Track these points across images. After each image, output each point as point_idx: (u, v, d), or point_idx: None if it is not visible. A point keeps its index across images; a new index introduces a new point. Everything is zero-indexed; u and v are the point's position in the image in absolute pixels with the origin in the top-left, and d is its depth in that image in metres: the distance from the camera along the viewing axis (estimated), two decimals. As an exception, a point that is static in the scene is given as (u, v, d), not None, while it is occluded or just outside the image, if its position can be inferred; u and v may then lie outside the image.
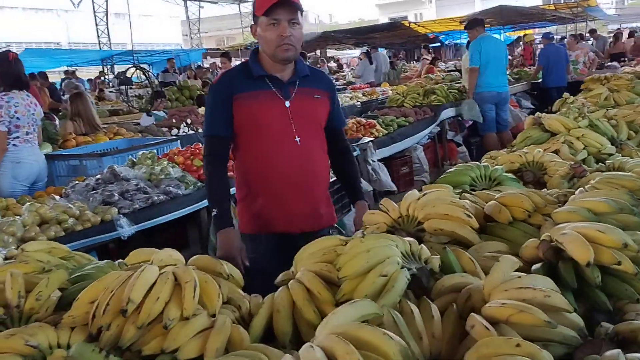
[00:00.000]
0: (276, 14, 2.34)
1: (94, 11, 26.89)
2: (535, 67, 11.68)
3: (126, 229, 3.39)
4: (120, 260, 2.03)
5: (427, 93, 8.42)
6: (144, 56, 24.39)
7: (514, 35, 26.81)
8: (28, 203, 3.30)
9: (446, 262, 1.64)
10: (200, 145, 4.71)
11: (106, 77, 22.80)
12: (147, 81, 9.05)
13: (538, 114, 3.82)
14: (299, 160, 2.51)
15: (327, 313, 1.56)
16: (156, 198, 3.70)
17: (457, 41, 28.99)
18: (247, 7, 33.23)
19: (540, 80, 11.16)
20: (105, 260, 1.98)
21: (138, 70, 9.63)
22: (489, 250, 1.85)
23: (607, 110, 4.12)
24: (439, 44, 28.49)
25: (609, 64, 13.98)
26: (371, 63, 14.66)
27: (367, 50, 16.17)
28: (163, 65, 23.81)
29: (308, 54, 29.28)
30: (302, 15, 2.43)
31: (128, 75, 9.37)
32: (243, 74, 2.52)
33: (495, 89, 7.86)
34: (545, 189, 2.52)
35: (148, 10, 36.89)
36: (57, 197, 3.56)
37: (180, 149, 4.68)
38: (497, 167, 2.81)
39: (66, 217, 3.22)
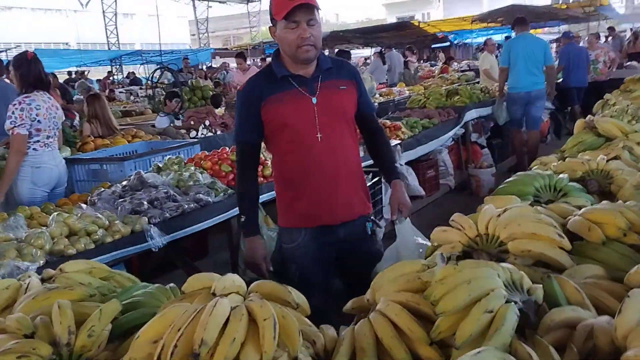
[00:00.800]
0: (295, 16, 2.35)
1: (103, 11, 26.77)
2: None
3: (157, 239, 3.21)
4: (171, 284, 1.85)
5: (450, 94, 8.21)
6: (152, 56, 24.23)
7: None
8: (55, 213, 3.12)
9: (549, 292, 1.44)
10: (227, 149, 4.53)
11: (115, 77, 22.67)
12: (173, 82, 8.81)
13: (590, 117, 3.61)
14: (326, 154, 2.53)
15: (420, 353, 1.37)
16: (187, 206, 3.52)
17: (467, 40, 28.80)
18: (255, 7, 33.12)
19: (560, 80, 10.94)
20: (156, 285, 1.80)
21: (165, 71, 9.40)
22: (586, 275, 1.65)
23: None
24: (448, 44, 28.29)
25: (628, 63, 13.74)
26: (384, 63, 14.46)
27: (380, 50, 15.94)
28: (172, 65, 23.74)
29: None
30: (319, 12, 2.41)
31: (156, 76, 9.17)
32: (267, 77, 2.54)
33: (524, 89, 7.71)
34: (619, 200, 2.32)
35: (156, 10, 36.77)
36: (83, 206, 3.38)
37: (207, 153, 4.48)
38: (561, 176, 2.61)
39: (95, 228, 3.04)
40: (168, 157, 4.35)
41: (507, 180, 2.68)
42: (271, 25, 2.51)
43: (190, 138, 6.73)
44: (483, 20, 21.58)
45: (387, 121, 6.52)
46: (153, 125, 8.26)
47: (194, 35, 34.37)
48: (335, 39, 26.73)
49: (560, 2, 32.24)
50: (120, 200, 3.49)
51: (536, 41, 8.36)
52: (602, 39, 18.17)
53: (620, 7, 33.58)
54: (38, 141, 4.20)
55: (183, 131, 6.90)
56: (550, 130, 10.65)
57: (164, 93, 8.94)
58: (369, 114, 2.77)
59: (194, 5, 30.18)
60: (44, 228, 3.02)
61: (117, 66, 24.78)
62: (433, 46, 28.24)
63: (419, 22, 26.95)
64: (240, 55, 11.15)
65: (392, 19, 43.49)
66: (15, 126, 4.04)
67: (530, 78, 7.81)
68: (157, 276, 4.00)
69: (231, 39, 53.76)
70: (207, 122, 7.15)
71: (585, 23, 25.17)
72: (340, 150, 2.57)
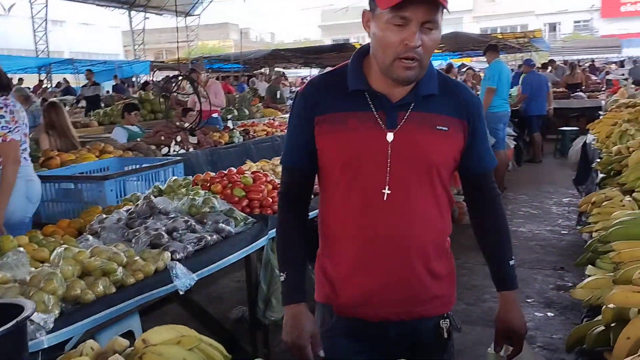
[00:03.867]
0: (406, 10, 1.52)
1: (32, 17, 25.29)
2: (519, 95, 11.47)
3: (183, 279, 2.67)
4: None
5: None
6: (84, 65, 23.02)
7: (458, 62, 27.16)
8: (61, 248, 2.52)
9: None
10: (234, 170, 4.02)
11: (46, 85, 21.34)
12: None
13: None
14: (390, 220, 1.70)
15: None
16: (209, 238, 2.99)
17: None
18: (194, 21, 32.37)
19: (518, 108, 11.01)
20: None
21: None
22: None
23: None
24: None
25: (575, 93, 14.13)
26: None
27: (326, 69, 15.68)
28: (104, 75, 22.57)
29: (255, 71, 28.82)
30: (442, 16, 1.59)
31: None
32: (334, 86, 1.74)
33: (507, 109, 8.43)
34: None
35: (88, 19, 35.19)
36: (90, 237, 2.79)
37: (212, 175, 3.95)
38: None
39: (114, 267, 2.48)
40: (174, 178, 3.79)
41: (621, 219, 2.35)
42: (367, 9, 1.65)
43: (163, 155, 6.15)
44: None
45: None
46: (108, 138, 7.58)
47: (126, 46, 33.11)
48: (275, 57, 26.42)
49: (488, 32, 33.66)
50: (132, 230, 2.93)
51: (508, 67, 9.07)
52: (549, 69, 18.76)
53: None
54: (26, 149, 3.61)
55: (153, 147, 6.28)
56: (512, 158, 10.67)
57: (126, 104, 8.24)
58: (479, 175, 1.85)
59: (129, 16, 29.04)
60: (49, 266, 2.43)
61: (45, 74, 23.36)
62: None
63: (361, 44, 27.03)
64: (194, 71, 10.52)
65: (328, 41, 43.70)
66: (8, 131, 3.42)
67: (507, 99, 8.54)
68: (150, 310, 3.43)
69: (163, 52, 52.46)
70: (178, 138, 6.57)
71: (519, 54, 26.05)
72: (411, 220, 1.71)
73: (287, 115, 10.61)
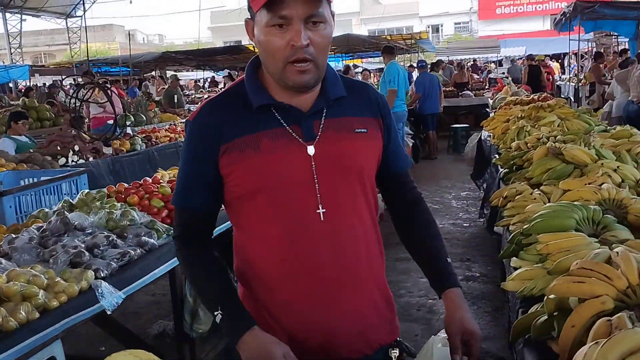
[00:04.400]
0: (284, 8, 1.37)
1: None
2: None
3: (109, 298, 2.54)
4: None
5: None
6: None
7: (350, 63, 27.80)
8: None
9: None
10: (149, 180, 3.87)
11: None
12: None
13: (553, 143, 3.60)
14: (326, 245, 1.51)
15: None
16: (133, 253, 2.86)
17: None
18: (75, 23, 30.82)
19: (413, 107, 11.45)
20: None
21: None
22: None
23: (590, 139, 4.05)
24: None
25: (464, 92, 14.90)
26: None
27: (229, 73, 15.54)
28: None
29: (145, 74, 27.89)
30: (330, 6, 1.45)
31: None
32: (235, 105, 1.53)
33: (404, 109, 8.98)
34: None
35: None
36: (2, 261, 2.58)
37: (126, 186, 3.77)
38: (593, 207, 2.49)
39: (36, 290, 2.30)
40: (86, 191, 3.58)
41: (540, 213, 2.50)
42: (248, 18, 1.50)
43: (61, 166, 5.81)
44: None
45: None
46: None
47: (3, 49, 30.95)
48: (166, 60, 25.68)
49: (377, 34, 34.75)
50: (47, 250, 2.74)
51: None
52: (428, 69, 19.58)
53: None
54: None
55: (49, 158, 5.92)
56: (411, 155, 11.08)
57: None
58: (400, 173, 1.75)
59: (4, 17, 27.11)
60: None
61: None
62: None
63: (254, 46, 26.84)
64: (87, 73, 10.02)
65: (219, 43, 43.22)
66: None
67: (405, 99, 9.10)
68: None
69: (42, 56, 49.63)
70: (76, 148, 6.24)
71: (407, 54, 27.04)
72: (360, 232, 1.56)
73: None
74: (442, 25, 47.59)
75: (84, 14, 24.23)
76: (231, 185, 1.53)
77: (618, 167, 3.16)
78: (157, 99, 14.75)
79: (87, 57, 11.61)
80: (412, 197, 1.78)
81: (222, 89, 1.75)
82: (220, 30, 48.18)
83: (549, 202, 3.01)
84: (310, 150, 1.50)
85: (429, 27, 44.38)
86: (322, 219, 1.50)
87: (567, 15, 11.85)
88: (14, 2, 25.94)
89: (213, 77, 31.29)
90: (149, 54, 26.45)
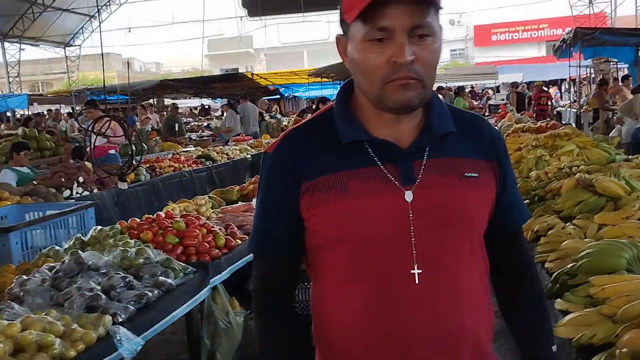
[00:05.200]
0: (384, 18, 1.15)
1: None
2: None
3: (127, 346, 2.37)
4: None
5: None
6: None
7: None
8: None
9: None
10: (162, 214, 3.72)
11: None
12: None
13: (582, 175, 3.48)
14: (421, 315, 1.24)
15: None
16: (150, 294, 2.71)
17: (297, 94, 29.55)
18: (74, 52, 30.93)
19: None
20: None
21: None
22: None
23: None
24: (278, 96, 28.79)
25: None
26: (237, 113, 14.01)
27: (228, 101, 15.46)
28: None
29: (143, 103, 27.89)
30: (438, 18, 1.22)
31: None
32: (320, 138, 1.31)
33: None
34: None
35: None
36: (15, 306, 2.42)
37: (139, 221, 3.63)
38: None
39: (52, 339, 2.15)
40: (99, 228, 3.44)
41: (586, 252, 2.36)
42: (340, 34, 1.28)
43: (66, 198, 5.67)
44: (318, 75, 22.19)
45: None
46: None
47: (2, 79, 30.95)
48: (164, 88, 25.67)
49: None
50: (61, 292, 2.59)
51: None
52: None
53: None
54: None
55: (53, 190, 5.77)
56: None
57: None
58: (513, 231, 1.44)
59: (3, 47, 27.16)
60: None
61: None
62: (265, 98, 28.52)
63: (252, 74, 26.94)
64: (91, 103, 9.91)
65: (216, 70, 43.46)
66: None
67: None
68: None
69: (39, 84, 49.70)
70: (80, 179, 6.10)
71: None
72: (458, 306, 1.27)
73: (192, 149, 10.32)
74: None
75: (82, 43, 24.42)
76: (311, 231, 1.30)
77: (655, 199, 3.04)
78: (148, 128, 14.63)
79: (104, 87, 11.28)
80: (524, 262, 1.46)
81: (307, 118, 1.45)
82: (218, 58, 48.45)
83: (585, 237, 2.89)
84: (408, 196, 1.24)
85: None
86: (417, 281, 1.23)
87: (567, 42, 11.88)
88: (12, 31, 26.00)
89: (202, 105, 31.31)
90: (147, 82, 26.47)
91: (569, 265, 2.39)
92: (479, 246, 1.32)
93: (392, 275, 1.24)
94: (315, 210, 1.26)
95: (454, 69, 27.86)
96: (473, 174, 1.29)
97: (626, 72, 13.88)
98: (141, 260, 2.99)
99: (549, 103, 14.92)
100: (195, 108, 31.15)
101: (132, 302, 2.62)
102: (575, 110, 13.44)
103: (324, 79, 24.33)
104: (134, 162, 6.41)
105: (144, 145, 10.24)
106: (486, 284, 1.33)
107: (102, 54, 6.88)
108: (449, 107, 1.35)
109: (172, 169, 7.45)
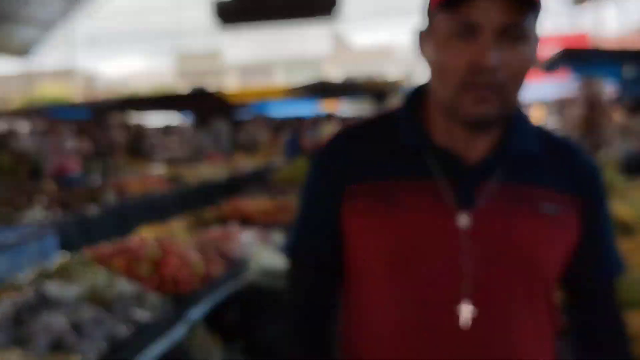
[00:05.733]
0: (471, 11, 0.98)
1: None
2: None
3: (97, 390, 2.12)
4: None
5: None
6: None
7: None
8: None
9: None
10: (133, 241, 3.45)
11: None
12: None
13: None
14: (466, 347, 1.06)
15: None
16: (123, 330, 2.46)
17: (270, 111, 29.35)
18: (32, 67, 30.23)
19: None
20: None
21: None
22: None
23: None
24: (251, 114, 28.56)
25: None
26: (206, 132, 13.77)
27: (200, 118, 15.22)
28: None
29: (108, 120, 27.29)
30: (535, 24, 1.04)
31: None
32: (378, 140, 1.15)
33: None
34: None
35: None
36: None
37: (109, 247, 3.36)
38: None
39: (12, 386, 1.89)
40: (64, 256, 3.16)
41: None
42: (422, 30, 1.11)
43: (29, 222, 5.32)
44: (296, 92, 22.19)
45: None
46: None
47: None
48: (131, 104, 25.17)
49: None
50: (24, 329, 2.31)
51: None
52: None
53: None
54: None
55: (10, 212, 5.43)
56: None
57: None
58: (597, 288, 1.18)
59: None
60: None
61: None
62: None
63: (220, 91, 26.67)
64: (53, 120, 9.54)
65: (186, 87, 43.09)
66: None
67: None
68: None
69: (-5, 101, 48.50)
70: (40, 201, 5.76)
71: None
72: (521, 351, 1.08)
73: (162, 169, 9.98)
74: (416, 71, 48.41)
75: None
76: (351, 242, 1.14)
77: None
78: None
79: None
80: (612, 327, 1.18)
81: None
82: (186, 74, 48.09)
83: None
84: (462, 220, 1.05)
85: (405, 72, 45.13)
86: (464, 324, 1.04)
87: (555, 61, 12.02)
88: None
89: (171, 123, 30.83)
90: (113, 98, 25.88)
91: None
92: (545, 296, 1.10)
93: (434, 308, 1.06)
94: (353, 220, 1.11)
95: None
96: (550, 210, 1.08)
97: (612, 93, 14.10)
98: (112, 292, 2.73)
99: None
100: (165, 126, 30.64)
101: (103, 340, 2.36)
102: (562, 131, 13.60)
103: (300, 96, 24.26)
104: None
105: (109, 164, 9.93)
106: (547, 345, 1.12)
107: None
108: (537, 126, 1.16)
109: (142, 190, 7.14)
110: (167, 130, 27.58)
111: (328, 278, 1.20)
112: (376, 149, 1.13)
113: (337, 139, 1.19)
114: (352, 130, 1.19)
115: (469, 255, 1.05)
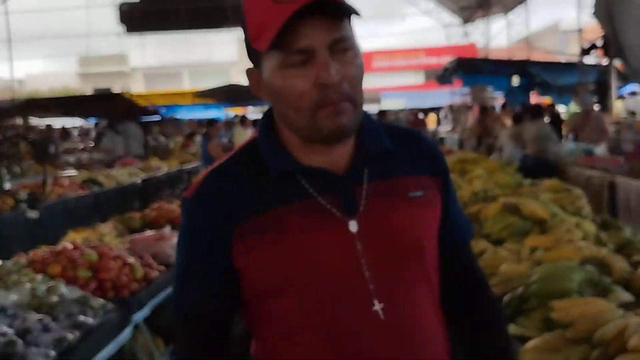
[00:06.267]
0: (302, 39, 1.04)
1: None
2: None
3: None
4: None
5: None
6: None
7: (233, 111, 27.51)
8: None
9: None
10: (69, 246, 3.34)
11: None
12: None
13: (505, 199, 3.58)
14: (388, 348, 1.10)
15: None
16: (70, 337, 2.39)
17: (178, 116, 28.80)
18: None
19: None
20: None
21: None
22: None
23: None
24: (160, 118, 27.88)
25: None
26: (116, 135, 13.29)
27: (108, 121, 14.70)
28: None
29: (6, 123, 25.78)
30: (350, 27, 1.10)
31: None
32: (248, 173, 1.16)
33: None
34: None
35: None
36: None
37: (44, 253, 3.23)
38: (588, 268, 2.42)
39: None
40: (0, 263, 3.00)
41: (536, 276, 2.39)
42: (251, 67, 1.16)
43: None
44: (204, 96, 21.86)
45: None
46: None
47: None
48: (32, 107, 23.89)
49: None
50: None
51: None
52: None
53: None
54: None
55: None
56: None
57: None
58: (459, 249, 1.30)
59: None
60: None
61: None
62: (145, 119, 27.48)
63: (131, 93, 25.87)
64: None
65: (88, 89, 41.35)
66: None
67: None
68: None
69: None
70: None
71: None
72: (427, 328, 1.16)
73: (75, 173, 9.54)
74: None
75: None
76: (249, 281, 1.12)
77: (577, 223, 3.19)
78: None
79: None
80: (476, 279, 1.31)
81: (228, 156, 1.22)
82: (90, 76, 46.20)
83: (519, 260, 2.94)
84: (353, 226, 1.10)
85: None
86: (381, 317, 1.09)
87: (449, 70, 12.58)
88: None
89: (81, 126, 29.54)
90: (11, 100, 24.43)
91: (520, 289, 2.40)
92: (433, 269, 1.20)
93: (351, 318, 1.09)
94: (251, 257, 1.10)
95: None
96: (418, 193, 1.17)
97: (500, 100, 14.91)
98: (54, 298, 2.65)
99: (424, 130, 15.71)
100: (68, 129, 29.32)
101: (51, 347, 2.29)
102: (458, 135, 14.21)
103: (209, 101, 23.94)
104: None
105: (18, 168, 9.41)
106: (440, 310, 1.21)
107: None
108: (381, 124, 1.23)
109: (58, 194, 6.84)
110: (72, 133, 26.44)
111: (223, 323, 1.18)
112: (251, 183, 1.13)
113: (205, 185, 1.16)
114: (219, 170, 1.18)
115: (366, 258, 1.10)
